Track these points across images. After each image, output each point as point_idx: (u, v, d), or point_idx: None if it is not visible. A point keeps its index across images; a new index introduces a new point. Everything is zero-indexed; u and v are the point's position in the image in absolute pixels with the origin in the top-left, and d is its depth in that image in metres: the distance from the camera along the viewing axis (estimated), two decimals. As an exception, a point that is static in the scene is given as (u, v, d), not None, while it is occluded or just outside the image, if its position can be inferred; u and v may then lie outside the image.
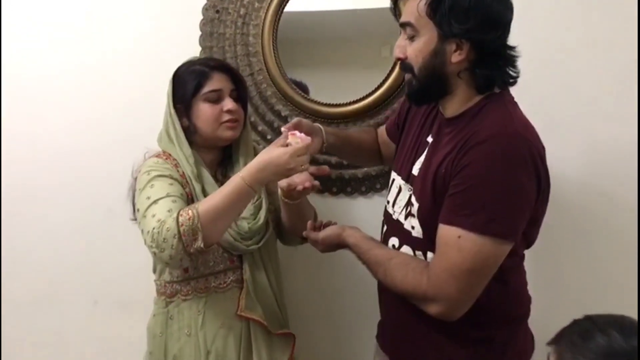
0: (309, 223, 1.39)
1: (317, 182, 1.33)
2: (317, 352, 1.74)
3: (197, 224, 1.18)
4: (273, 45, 1.64)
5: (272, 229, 1.44)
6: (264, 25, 1.63)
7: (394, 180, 1.35)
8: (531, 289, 1.31)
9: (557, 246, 1.65)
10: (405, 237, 1.25)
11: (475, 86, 1.17)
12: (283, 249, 1.53)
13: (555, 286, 1.65)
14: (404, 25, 1.18)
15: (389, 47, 1.60)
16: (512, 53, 1.17)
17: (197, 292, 1.36)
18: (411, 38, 1.16)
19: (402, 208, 1.27)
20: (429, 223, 1.18)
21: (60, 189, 1.76)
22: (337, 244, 1.33)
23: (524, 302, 1.29)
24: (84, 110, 1.72)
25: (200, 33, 1.67)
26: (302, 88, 1.69)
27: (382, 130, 1.55)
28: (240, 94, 1.41)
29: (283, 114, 1.69)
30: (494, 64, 1.15)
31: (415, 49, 1.16)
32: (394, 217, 1.30)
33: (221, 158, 1.45)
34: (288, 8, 1.63)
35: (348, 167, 1.72)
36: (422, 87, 1.18)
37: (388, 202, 1.35)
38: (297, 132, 1.27)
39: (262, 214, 1.40)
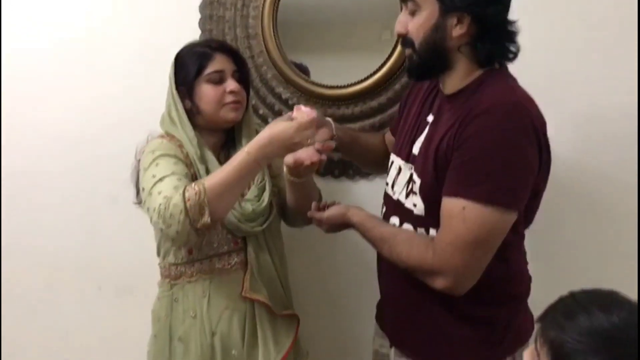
0: (314, 204, 1.38)
1: (324, 157, 1.29)
2: (318, 332, 1.74)
3: (203, 199, 1.17)
4: (273, 27, 1.63)
5: (275, 211, 1.44)
6: (264, 7, 1.63)
7: (392, 162, 1.35)
8: (530, 269, 1.31)
9: (557, 226, 1.66)
10: (407, 215, 1.25)
11: (476, 61, 1.17)
12: (286, 231, 1.54)
13: (554, 267, 1.65)
14: (405, 1, 1.18)
15: (389, 32, 1.60)
16: (512, 29, 1.17)
17: (202, 274, 1.36)
18: (412, 13, 1.17)
19: (402, 187, 1.27)
20: (430, 198, 1.18)
21: (63, 176, 1.76)
22: (341, 224, 1.33)
23: (524, 281, 1.29)
24: (85, 96, 1.73)
25: (199, 16, 1.67)
26: (303, 70, 1.68)
27: (387, 132, 1.55)
28: (242, 75, 1.41)
29: (284, 96, 1.68)
30: (495, 39, 1.15)
31: (416, 24, 1.16)
32: (394, 197, 1.30)
33: (224, 141, 1.45)
34: (288, -10, 1.62)
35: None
36: (423, 62, 1.18)
37: (387, 183, 1.35)
38: (302, 107, 1.26)
39: (266, 195, 1.40)
